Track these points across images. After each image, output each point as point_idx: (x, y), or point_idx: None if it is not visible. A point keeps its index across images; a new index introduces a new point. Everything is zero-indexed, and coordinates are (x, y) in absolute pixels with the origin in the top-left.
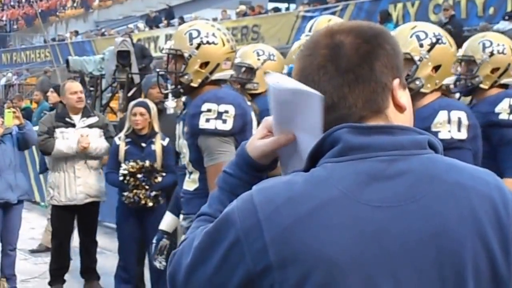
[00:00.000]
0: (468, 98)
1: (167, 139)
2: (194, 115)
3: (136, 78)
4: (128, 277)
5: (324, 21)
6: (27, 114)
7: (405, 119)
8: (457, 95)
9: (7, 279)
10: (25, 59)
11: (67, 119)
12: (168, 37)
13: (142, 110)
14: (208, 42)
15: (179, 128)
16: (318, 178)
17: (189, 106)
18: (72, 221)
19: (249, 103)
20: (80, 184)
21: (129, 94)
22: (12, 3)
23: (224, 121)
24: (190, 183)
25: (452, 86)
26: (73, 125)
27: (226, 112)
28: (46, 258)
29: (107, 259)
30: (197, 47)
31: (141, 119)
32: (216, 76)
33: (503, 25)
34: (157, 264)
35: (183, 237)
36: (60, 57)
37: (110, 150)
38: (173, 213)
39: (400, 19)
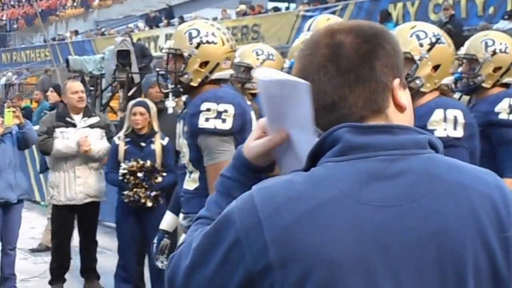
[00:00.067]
0: (467, 97)
1: (166, 139)
2: (193, 115)
3: (136, 78)
4: (127, 277)
5: (323, 20)
6: (27, 113)
7: (406, 119)
8: (456, 94)
9: (7, 278)
10: (25, 59)
11: (68, 119)
12: (168, 37)
13: (142, 109)
14: (207, 42)
15: (179, 127)
16: (318, 178)
17: (188, 105)
18: (72, 221)
19: (249, 102)
20: (80, 184)
21: (129, 94)
22: (12, 3)
23: (224, 121)
24: (190, 183)
25: (453, 86)
26: (74, 125)
27: (226, 111)
28: (46, 258)
29: (107, 258)
30: (197, 47)
31: (141, 118)
32: (215, 75)
33: (503, 24)
34: (158, 264)
35: (181, 240)
36: (60, 56)
37: (109, 150)
38: (173, 213)
39: (400, 19)
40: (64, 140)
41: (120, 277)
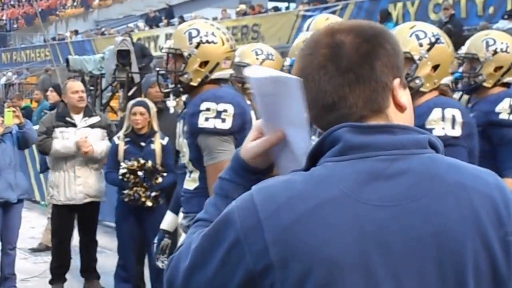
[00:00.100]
0: (467, 97)
1: (166, 138)
2: (193, 114)
3: (136, 78)
4: (127, 276)
5: (321, 20)
6: (26, 113)
7: (406, 119)
8: (456, 94)
9: (7, 278)
10: (25, 58)
11: (68, 119)
12: (168, 37)
13: (142, 109)
14: (207, 41)
15: (179, 127)
16: (318, 177)
17: (188, 105)
18: (72, 220)
19: (249, 102)
20: (80, 183)
21: (130, 94)
22: (12, 2)
23: (223, 120)
24: (190, 182)
25: (452, 85)
26: (74, 125)
27: (225, 111)
28: (46, 257)
29: (107, 258)
30: (197, 46)
31: (141, 118)
32: (215, 75)
33: (503, 24)
34: (159, 263)
35: (180, 241)
36: (60, 56)
37: (109, 150)
38: (174, 213)
39: (400, 18)
40: (63, 140)
41: (120, 277)
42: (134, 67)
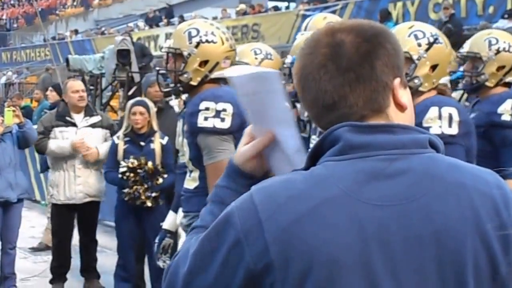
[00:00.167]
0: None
1: (166, 138)
2: (192, 114)
3: (136, 77)
4: (127, 276)
5: (319, 19)
6: (26, 112)
7: (406, 118)
8: (455, 94)
9: (7, 277)
10: (25, 58)
11: (68, 118)
12: (168, 36)
13: (142, 109)
14: (207, 41)
15: (179, 126)
16: (318, 177)
17: (188, 104)
18: (72, 220)
19: None
20: (80, 183)
21: (130, 93)
22: (12, 2)
23: (222, 120)
24: (190, 182)
25: (449, 85)
26: (74, 124)
27: (224, 110)
28: (46, 257)
29: (107, 257)
30: (196, 46)
31: (141, 118)
32: (215, 74)
33: (503, 23)
34: (160, 263)
35: (180, 240)
36: (60, 56)
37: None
38: (176, 212)
39: (400, 18)
40: (59, 140)
41: (119, 276)
42: (134, 67)
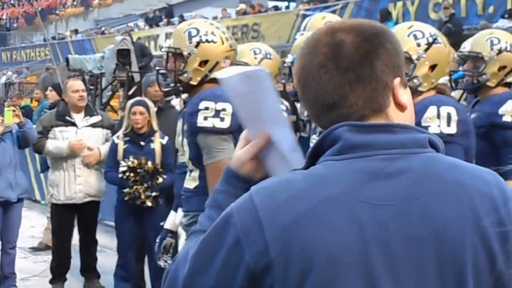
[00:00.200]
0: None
1: (166, 138)
2: (192, 113)
3: (136, 77)
4: (127, 276)
5: (318, 19)
6: (26, 112)
7: (406, 118)
8: (455, 93)
9: (7, 277)
10: (25, 58)
11: (67, 118)
12: (168, 36)
13: (142, 109)
14: (207, 41)
15: (179, 125)
16: (318, 176)
17: (187, 104)
18: (72, 220)
19: None
20: (80, 183)
21: (130, 93)
22: (12, 2)
23: (222, 119)
24: (190, 181)
25: (449, 85)
26: (74, 124)
27: (224, 110)
28: (46, 257)
29: (108, 257)
30: (196, 46)
31: (141, 118)
32: (215, 74)
33: (503, 23)
34: (161, 263)
35: (180, 239)
36: (60, 55)
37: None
38: (176, 212)
39: (400, 18)
40: (56, 140)
41: (119, 276)
42: (134, 66)
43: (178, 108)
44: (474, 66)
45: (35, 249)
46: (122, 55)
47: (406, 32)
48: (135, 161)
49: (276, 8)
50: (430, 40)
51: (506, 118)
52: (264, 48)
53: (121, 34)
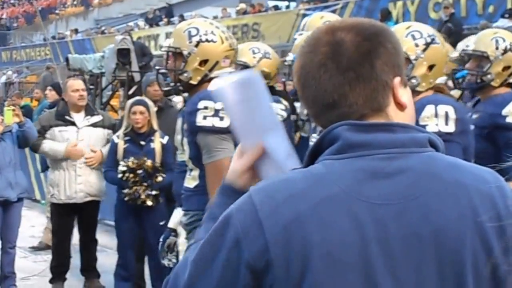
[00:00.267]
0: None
1: (166, 137)
2: (191, 113)
3: (136, 76)
4: (127, 275)
5: (317, 18)
6: (26, 112)
7: (406, 117)
8: (453, 92)
9: (6, 277)
10: (25, 57)
11: (67, 117)
12: (168, 35)
13: (142, 108)
14: (207, 40)
15: (179, 124)
16: (317, 176)
17: (187, 103)
18: (72, 219)
19: None
20: (81, 182)
21: (130, 92)
22: (12, 1)
23: (221, 119)
24: (190, 180)
25: (448, 84)
26: (73, 123)
27: (223, 109)
28: (46, 256)
29: (108, 257)
30: (196, 45)
31: (141, 117)
32: (215, 73)
33: (503, 22)
34: (165, 262)
35: (180, 238)
36: (60, 55)
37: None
38: None
39: (400, 17)
40: (52, 142)
41: (120, 276)
42: (134, 66)
43: (179, 106)
44: (477, 65)
45: (35, 249)
46: (122, 54)
47: (404, 33)
48: (135, 161)
49: (276, 7)
50: (428, 40)
51: (509, 119)
52: (263, 48)
53: (121, 34)
